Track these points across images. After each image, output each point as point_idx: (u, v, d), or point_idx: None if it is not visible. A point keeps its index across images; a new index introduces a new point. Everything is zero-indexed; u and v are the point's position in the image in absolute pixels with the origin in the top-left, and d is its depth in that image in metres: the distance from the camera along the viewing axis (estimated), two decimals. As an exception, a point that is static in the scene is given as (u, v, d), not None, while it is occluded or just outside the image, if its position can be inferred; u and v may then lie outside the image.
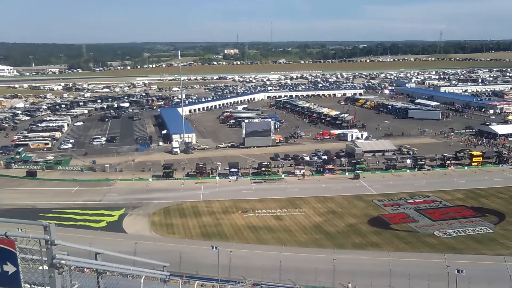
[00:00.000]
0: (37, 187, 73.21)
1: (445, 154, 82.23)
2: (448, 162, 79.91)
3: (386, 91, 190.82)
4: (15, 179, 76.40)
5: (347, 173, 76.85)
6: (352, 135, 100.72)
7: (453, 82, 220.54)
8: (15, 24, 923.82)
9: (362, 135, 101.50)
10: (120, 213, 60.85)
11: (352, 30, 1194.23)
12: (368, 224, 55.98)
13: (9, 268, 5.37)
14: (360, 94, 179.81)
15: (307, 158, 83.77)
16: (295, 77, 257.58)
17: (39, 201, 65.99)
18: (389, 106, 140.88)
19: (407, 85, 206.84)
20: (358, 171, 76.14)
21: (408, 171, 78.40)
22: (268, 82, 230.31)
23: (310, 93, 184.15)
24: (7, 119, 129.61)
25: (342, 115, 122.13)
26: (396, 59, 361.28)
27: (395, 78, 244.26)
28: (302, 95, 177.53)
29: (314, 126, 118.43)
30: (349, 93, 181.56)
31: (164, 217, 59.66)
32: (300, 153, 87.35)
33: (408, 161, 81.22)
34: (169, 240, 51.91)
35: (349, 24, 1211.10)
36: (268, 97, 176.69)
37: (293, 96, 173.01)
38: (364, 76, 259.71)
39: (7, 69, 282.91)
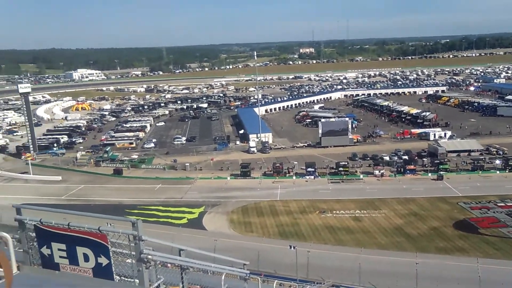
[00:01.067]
0: (123, 184, 77.18)
1: (540, 154, 76.11)
2: (544, 163, 73.82)
3: (472, 88, 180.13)
4: (103, 177, 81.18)
5: (429, 174, 73.42)
6: (434, 134, 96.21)
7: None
8: (101, 31, 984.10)
9: (445, 134, 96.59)
10: (200, 210, 62.52)
11: (433, 24, 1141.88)
12: (453, 227, 53.06)
13: (103, 260, 5.61)
14: (443, 91, 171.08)
15: (387, 158, 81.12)
16: (373, 75, 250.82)
17: (125, 197, 69.66)
18: (475, 104, 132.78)
19: (495, 80, 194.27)
20: (441, 172, 72.52)
21: (497, 172, 73.43)
22: (344, 81, 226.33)
23: (389, 91, 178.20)
24: (96, 120, 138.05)
25: (424, 114, 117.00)
26: (482, 54, 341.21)
27: (482, 74, 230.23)
28: (380, 93, 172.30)
29: (394, 125, 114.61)
30: (430, 90, 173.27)
31: (242, 216, 60.47)
32: (379, 153, 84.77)
33: (498, 161, 76.08)
34: (247, 238, 52.53)
35: (429, 18, 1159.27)
36: (345, 95, 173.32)
37: (371, 95, 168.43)
38: (446, 72, 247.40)
39: (96, 73, 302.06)
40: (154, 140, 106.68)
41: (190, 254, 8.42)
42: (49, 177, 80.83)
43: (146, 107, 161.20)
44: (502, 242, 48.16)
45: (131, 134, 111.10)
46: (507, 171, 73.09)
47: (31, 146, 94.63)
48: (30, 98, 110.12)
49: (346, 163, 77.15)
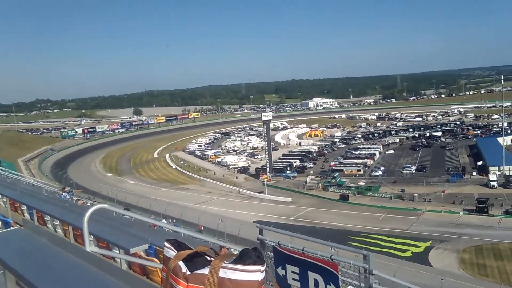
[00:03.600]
0: (348, 210, 78.18)
1: None
2: None
3: None
4: (330, 201, 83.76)
5: None
6: None
7: None
8: (337, 61, 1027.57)
9: None
10: (426, 245, 58.94)
11: None
12: None
13: (331, 288, 5.89)
14: None
15: None
16: None
17: (349, 223, 70.33)
18: None
19: None
20: None
21: None
22: None
23: None
24: (326, 146, 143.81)
25: None
26: None
27: None
28: None
29: None
30: None
31: (476, 256, 54.77)
32: None
33: None
34: (481, 283, 47.29)
35: None
36: None
37: None
38: None
39: (330, 102, 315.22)
40: (382, 168, 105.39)
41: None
42: (281, 197, 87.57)
43: (376, 134, 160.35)
44: None
45: (360, 161, 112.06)
46: None
47: (268, 168, 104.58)
48: (270, 125, 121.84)
49: None
